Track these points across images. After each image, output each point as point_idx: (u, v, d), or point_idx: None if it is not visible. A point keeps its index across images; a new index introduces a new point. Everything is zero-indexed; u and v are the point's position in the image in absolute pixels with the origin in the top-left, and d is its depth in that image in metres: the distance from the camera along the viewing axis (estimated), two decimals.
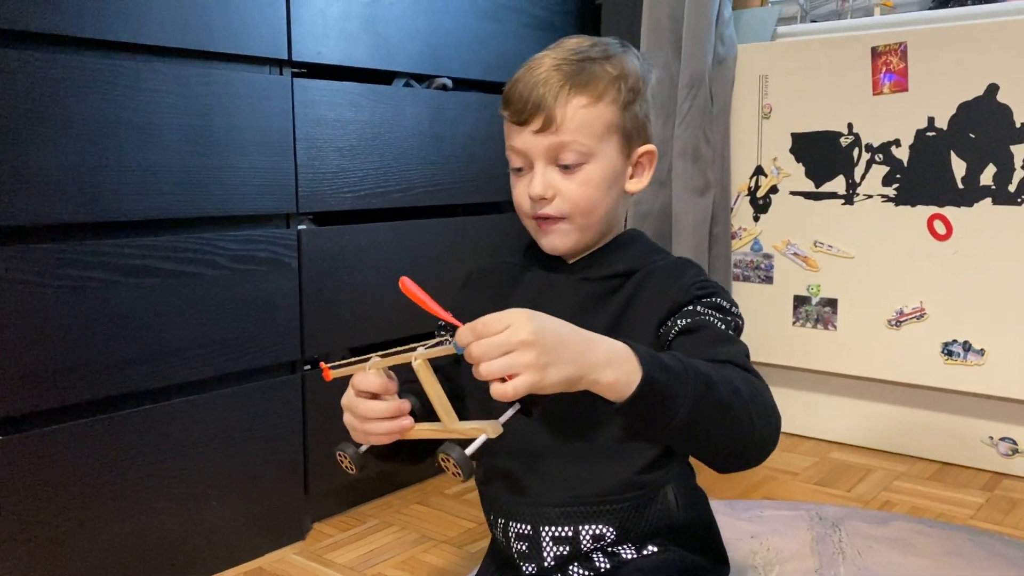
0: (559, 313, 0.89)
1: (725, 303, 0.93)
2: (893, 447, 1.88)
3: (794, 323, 1.94)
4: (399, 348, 0.83)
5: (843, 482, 1.72)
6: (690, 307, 0.91)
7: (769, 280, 1.96)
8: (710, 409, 0.79)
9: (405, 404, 0.86)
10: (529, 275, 1.02)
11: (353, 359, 0.87)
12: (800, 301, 1.93)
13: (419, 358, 0.81)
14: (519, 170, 0.97)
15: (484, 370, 0.72)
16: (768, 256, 1.96)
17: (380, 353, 0.85)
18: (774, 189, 1.95)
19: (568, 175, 0.93)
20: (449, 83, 1.72)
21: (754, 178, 1.97)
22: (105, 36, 1.19)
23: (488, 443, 0.80)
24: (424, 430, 0.85)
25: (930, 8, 1.86)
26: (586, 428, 0.93)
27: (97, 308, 1.21)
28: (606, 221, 0.97)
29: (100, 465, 1.23)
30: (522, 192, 0.96)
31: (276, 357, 1.44)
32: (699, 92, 1.92)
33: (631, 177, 0.98)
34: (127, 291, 1.24)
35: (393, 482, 1.71)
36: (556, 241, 0.96)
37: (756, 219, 1.97)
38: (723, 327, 0.90)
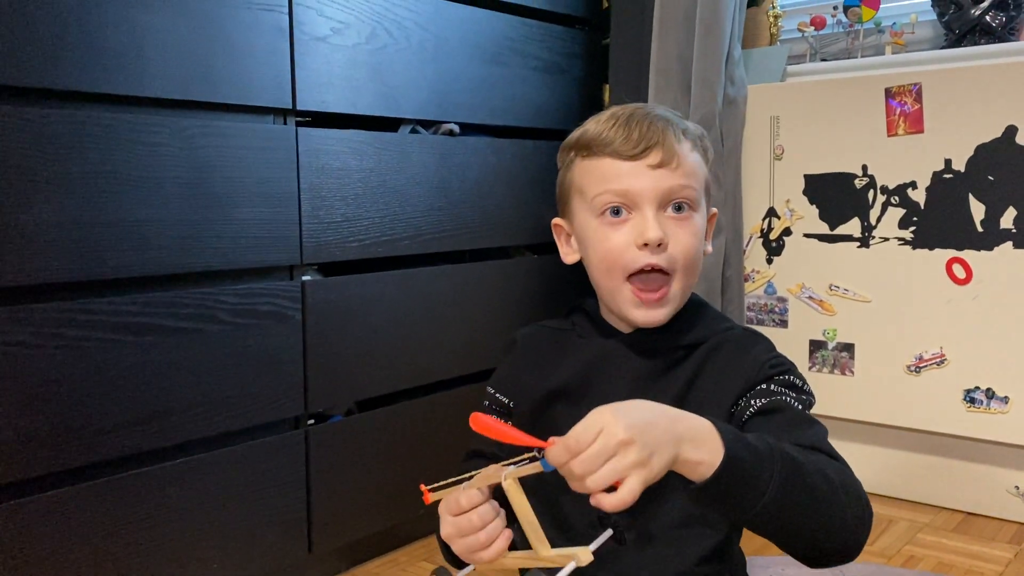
0: (614, 386, 0.84)
1: (798, 381, 0.86)
2: (915, 496, 1.82)
3: (810, 368, 1.89)
4: (483, 470, 0.77)
5: None
6: (764, 386, 0.84)
7: (784, 324, 1.92)
8: (798, 494, 0.72)
9: (503, 521, 0.80)
10: (580, 342, 0.93)
11: (451, 480, 0.80)
12: (816, 346, 1.88)
13: (509, 477, 0.74)
14: (616, 212, 0.85)
15: (592, 484, 0.66)
16: (782, 299, 1.92)
17: (470, 474, 0.79)
18: (787, 231, 1.91)
19: (680, 222, 0.84)
20: (456, 128, 1.70)
21: (767, 220, 1.93)
22: (105, 90, 1.17)
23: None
24: (516, 557, 0.79)
25: (943, 47, 1.83)
26: (641, 513, 0.85)
27: (94, 368, 1.17)
28: (692, 288, 0.88)
29: (97, 531, 1.18)
30: (624, 242, 0.84)
31: (279, 413, 1.40)
32: (709, 133, 1.88)
33: (707, 231, 0.91)
34: (125, 350, 1.20)
35: (399, 538, 1.66)
36: (659, 316, 0.86)
37: (769, 261, 1.94)
38: (800, 407, 0.83)
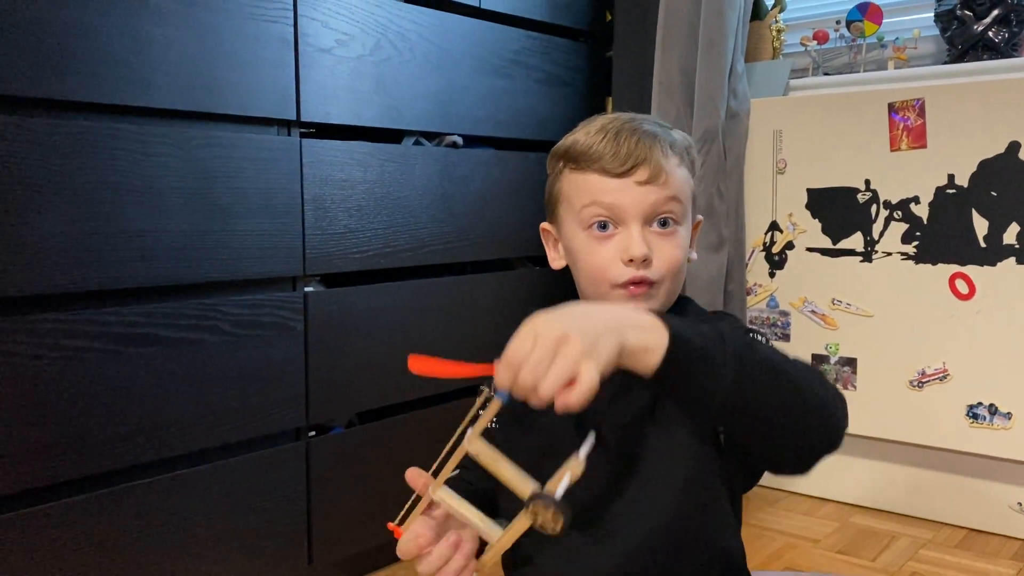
0: (607, 388, 0.84)
1: (760, 337, 0.86)
2: (917, 512, 1.82)
3: None
4: (444, 452, 0.75)
5: (867, 550, 1.66)
6: None
7: (786, 338, 1.92)
8: (761, 372, 0.70)
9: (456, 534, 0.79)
10: None
11: (408, 504, 0.78)
12: (818, 360, 1.88)
13: (471, 440, 0.73)
14: (603, 227, 0.86)
15: (545, 389, 0.64)
16: (785, 313, 1.92)
17: (433, 479, 0.77)
18: (790, 245, 1.91)
19: (664, 236, 0.86)
20: (459, 140, 1.70)
21: (769, 234, 1.93)
22: (110, 100, 1.17)
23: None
24: (503, 536, 0.76)
25: (946, 62, 1.84)
26: (620, 510, 0.84)
27: (96, 379, 1.16)
28: (676, 292, 0.90)
29: (97, 542, 1.18)
30: (611, 256, 0.85)
31: (280, 425, 1.39)
32: (712, 147, 1.89)
33: (692, 238, 0.93)
34: (127, 361, 1.20)
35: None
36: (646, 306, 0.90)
37: (772, 275, 1.93)
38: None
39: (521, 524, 0.72)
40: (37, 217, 1.10)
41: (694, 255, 0.93)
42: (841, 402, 0.76)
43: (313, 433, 1.46)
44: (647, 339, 0.68)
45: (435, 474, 0.77)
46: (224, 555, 1.32)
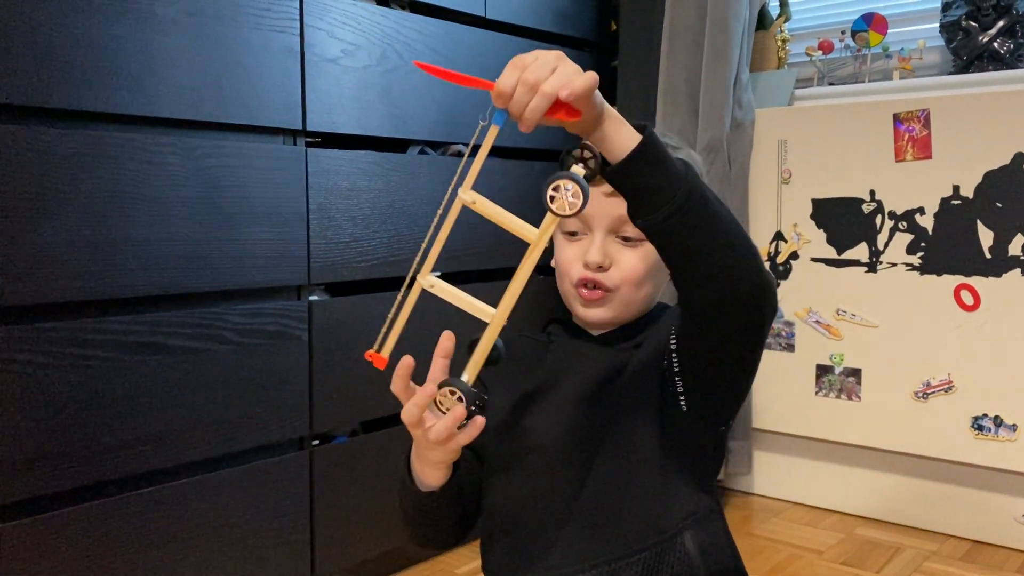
0: (581, 381, 0.91)
1: None
2: (921, 523, 1.81)
3: (817, 393, 1.88)
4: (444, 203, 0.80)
5: (872, 562, 1.65)
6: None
7: (791, 348, 1.91)
8: (705, 204, 0.75)
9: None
10: (553, 347, 0.99)
11: (385, 328, 0.84)
12: (823, 370, 1.87)
13: (465, 189, 0.79)
14: (573, 234, 0.93)
15: (549, 86, 0.71)
16: (789, 324, 1.92)
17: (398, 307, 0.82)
18: (794, 255, 1.91)
19: (627, 247, 0.90)
20: (464, 150, 1.70)
21: (774, 243, 1.93)
22: (117, 109, 1.17)
23: (493, 508, 0.87)
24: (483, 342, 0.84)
25: (951, 73, 1.83)
26: (594, 480, 0.88)
27: (101, 387, 1.17)
28: (647, 301, 0.94)
29: (102, 550, 1.18)
30: (573, 257, 0.92)
31: (284, 434, 1.39)
32: (717, 157, 1.90)
33: None
34: (133, 369, 1.20)
35: (402, 560, 1.65)
36: (599, 314, 0.93)
37: (777, 285, 1.93)
38: None
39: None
40: (44, 226, 1.11)
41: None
42: (769, 276, 0.79)
43: (317, 442, 1.46)
44: (622, 126, 0.75)
45: (423, 257, 0.82)
46: (227, 563, 1.32)
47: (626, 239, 0.90)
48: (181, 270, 1.25)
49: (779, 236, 1.92)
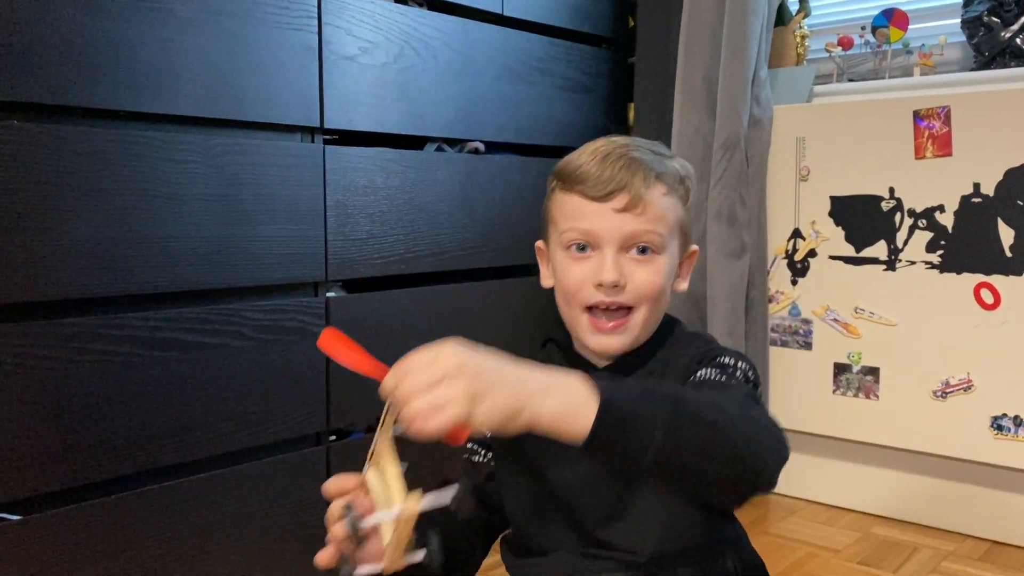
0: None
1: (728, 359, 0.85)
2: (939, 523, 1.80)
3: (834, 391, 1.87)
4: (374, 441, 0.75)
5: (888, 561, 1.64)
6: (688, 378, 0.85)
7: (808, 346, 1.91)
8: (690, 425, 0.68)
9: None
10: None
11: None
12: (840, 369, 1.86)
13: (376, 442, 0.73)
14: (582, 249, 0.87)
15: (410, 410, 0.63)
16: (807, 321, 1.91)
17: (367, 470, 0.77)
18: (812, 253, 1.90)
19: (641, 263, 0.86)
20: (481, 147, 1.70)
21: (791, 241, 1.92)
22: (136, 108, 1.19)
23: (517, 520, 0.86)
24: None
25: (972, 69, 1.82)
26: (619, 490, 0.84)
27: (120, 383, 1.18)
28: (658, 319, 0.90)
29: (119, 544, 1.19)
30: (582, 277, 0.86)
31: (301, 429, 1.40)
32: (734, 154, 1.89)
33: (678, 276, 0.92)
34: (151, 365, 1.21)
35: None
36: (615, 344, 0.87)
37: (794, 283, 1.92)
38: (721, 378, 0.82)
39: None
40: (64, 223, 1.12)
41: (684, 285, 0.93)
42: (778, 442, 0.75)
43: (333, 438, 1.47)
44: (565, 403, 0.66)
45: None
46: (244, 558, 1.33)
47: (641, 250, 0.86)
48: (200, 267, 1.26)
49: (797, 233, 1.91)
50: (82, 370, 1.14)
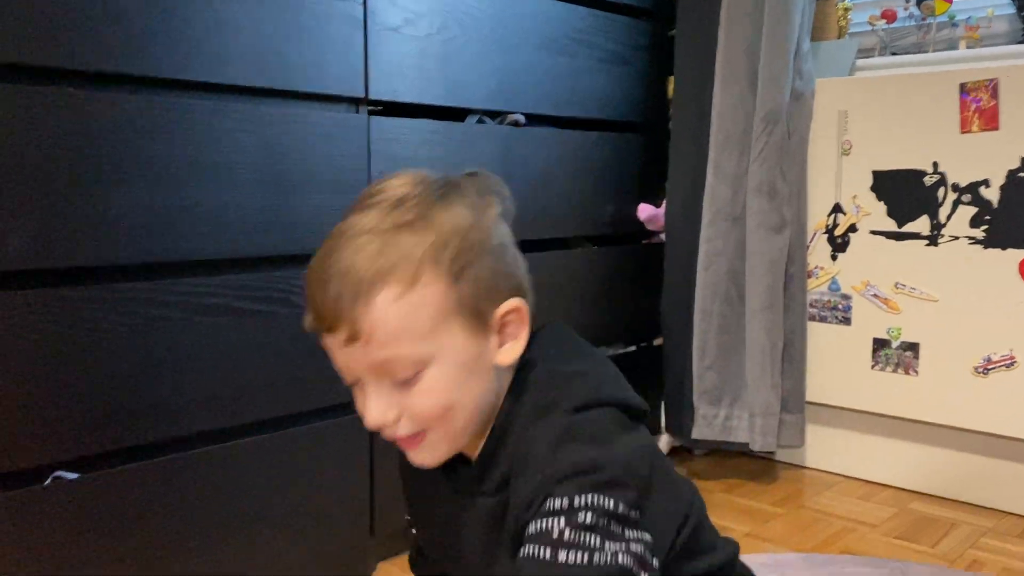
0: (472, 537, 0.78)
1: (560, 501, 0.66)
2: (978, 500, 1.79)
3: (873, 367, 1.87)
4: None
5: (926, 537, 1.64)
6: (524, 541, 0.68)
7: (847, 321, 1.90)
8: None
9: None
10: (444, 486, 0.81)
11: None
12: (880, 344, 1.86)
13: None
14: (354, 383, 0.75)
15: None
16: (847, 297, 1.90)
17: None
18: (853, 228, 1.88)
19: (407, 389, 0.71)
20: (522, 119, 1.71)
21: (832, 216, 1.91)
22: (186, 76, 1.20)
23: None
24: None
25: (1020, 42, 1.79)
26: None
27: (170, 348, 1.21)
28: (478, 416, 0.75)
29: (168, 506, 1.22)
30: (362, 413, 0.75)
31: (346, 396, 1.41)
32: (775, 127, 1.87)
33: (500, 346, 0.74)
34: (201, 331, 1.23)
35: None
36: (425, 458, 0.75)
37: (834, 258, 1.91)
38: (545, 554, 0.65)
39: None
40: (116, 190, 1.14)
41: (512, 353, 0.75)
42: None
43: None
44: None
45: None
46: (288, 521, 1.36)
47: (401, 381, 0.71)
48: (248, 235, 1.28)
49: (838, 208, 1.90)
50: (133, 335, 1.17)
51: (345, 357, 0.72)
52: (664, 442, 2.04)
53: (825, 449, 2.00)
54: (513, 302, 0.74)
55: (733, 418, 1.90)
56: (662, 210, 1.99)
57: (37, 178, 1.07)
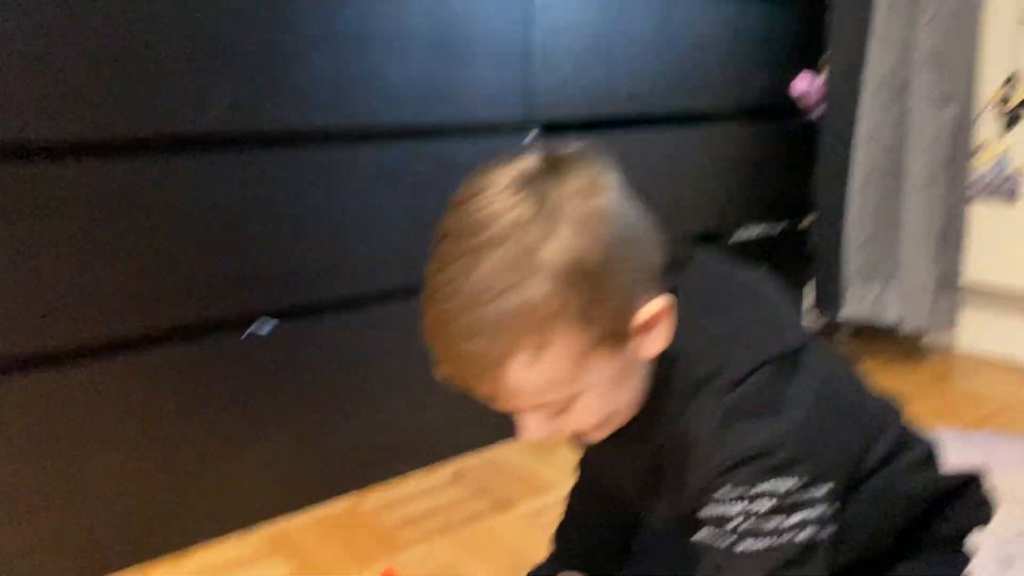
0: (627, 477, 0.80)
1: (777, 485, 0.65)
2: None
3: None
4: None
5: None
6: (700, 525, 0.69)
7: (1012, 200, 1.81)
8: None
9: None
10: None
11: None
12: None
13: None
14: None
15: None
16: (1015, 174, 1.81)
17: None
18: None
19: (562, 412, 0.68)
20: None
21: (1005, 88, 1.80)
22: None
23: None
24: None
25: None
26: None
27: (354, 210, 1.27)
28: (636, 404, 0.72)
29: (349, 357, 1.31)
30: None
31: None
32: None
33: (643, 342, 0.68)
34: (379, 195, 1.29)
35: None
36: (588, 441, 0.74)
37: (1004, 133, 1.81)
38: (751, 530, 0.66)
39: None
40: (296, 58, 1.19)
41: (657, 344, 0.68)
42: None
43: None
44: None
45: None
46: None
47: (559, 412, 0.68)
48: (415, 104, 1.32)
49: (1012, 80, 1.79)
50: (317, 199, 1.24)
51: (494, 405, 0.68)
52: (811, 320, 2.03)
53: (978, 332, 1.95)
54: (651, 308, 0.66)
55: (885, 297, 1.87)
56: (816, 86, 1.92)
57: (236, 44, 1.13)
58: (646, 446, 0.73)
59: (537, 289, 0.61)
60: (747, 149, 1.88)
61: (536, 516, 1.29)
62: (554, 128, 1.54)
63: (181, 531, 1.19)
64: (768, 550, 0.65)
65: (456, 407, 1.45)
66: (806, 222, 2.05)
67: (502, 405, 0.67)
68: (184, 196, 1.12)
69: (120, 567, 1.14)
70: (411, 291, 1.36)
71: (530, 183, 0.64)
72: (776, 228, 2.04)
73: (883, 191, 1.84)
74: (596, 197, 0.65)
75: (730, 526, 0.66)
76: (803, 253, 2.00)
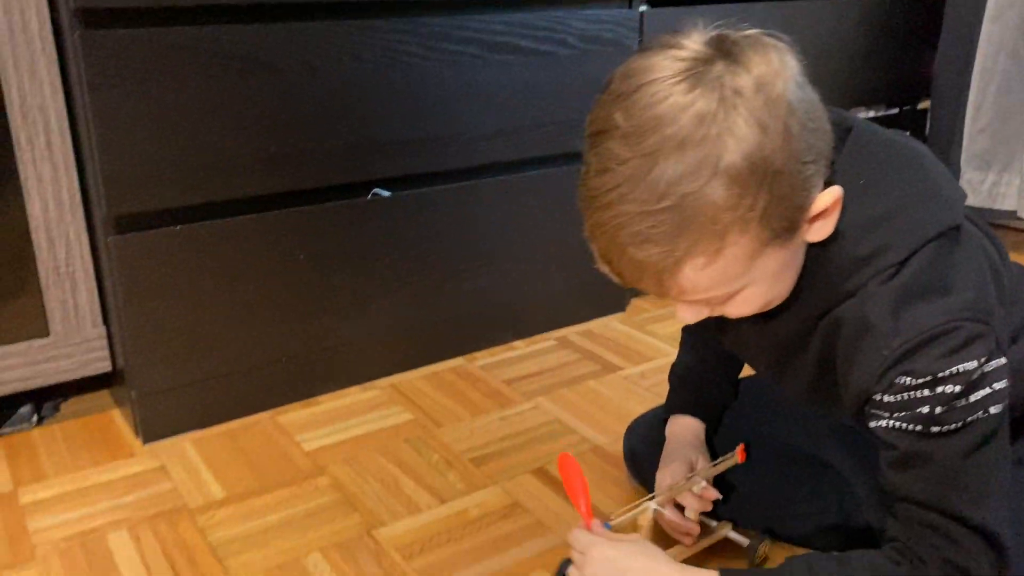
0: (760, 349, 0.80)
1: (948, 388, 0.64)
2: None
3: None
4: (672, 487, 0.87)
5: None
6: (880, 397, 0.67)
7: None
8: None
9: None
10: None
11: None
12: None
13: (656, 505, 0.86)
14: None
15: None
16: None
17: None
18: None
19: (722, 306, 0.68)
20: None
21: None
22: None
23: None
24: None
25: None
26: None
27: (467, 82, 1.30)
28: (791, 288, 0.70)
29: (460, 226, 1.37)
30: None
31: None
32: None
33: (811, 230, 0.66)
34: (492, 67, 1.32)
35: None
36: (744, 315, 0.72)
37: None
38: (934, 437, 0.65)
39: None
40: None
41: (824, 230, 0.66)
42: None
43: None
44: None
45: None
46: (559, 250, 1.48)
47: (720, 303, 0.68)
48: None
49: None
50: (438, 68, 1.27)
51: (664, 295, 0.66)
52: None
53: None
54: (825, 200, 0.64)
55: (1002, 184, 1.81)
56: None
57: None
58: (790, 326, 0.72)
59: (719, 194, 0.58)
60: (864, 28, 1.82)
61: (640, 378, 1.34)
62: (660, 2, 1.52)
63: (308, 380, 1.29)
64: (963, 428, 0.64)
65: (562, 280, 1.50)
66: (925, 104, 1.98)
67: (662, 297, 0.66)
68: (313, 61, 1.17)
69: (254, 411, 1.25)
70: (521, 164, 1.40)
71: (704, 74, 0.59)
72: (891, 112, 1.98)
73: (1009, 72, 1.76)
74: (777, 86, 0.60)
75: (923, 410, 0.64)
76: (922, 137, 1.95)
